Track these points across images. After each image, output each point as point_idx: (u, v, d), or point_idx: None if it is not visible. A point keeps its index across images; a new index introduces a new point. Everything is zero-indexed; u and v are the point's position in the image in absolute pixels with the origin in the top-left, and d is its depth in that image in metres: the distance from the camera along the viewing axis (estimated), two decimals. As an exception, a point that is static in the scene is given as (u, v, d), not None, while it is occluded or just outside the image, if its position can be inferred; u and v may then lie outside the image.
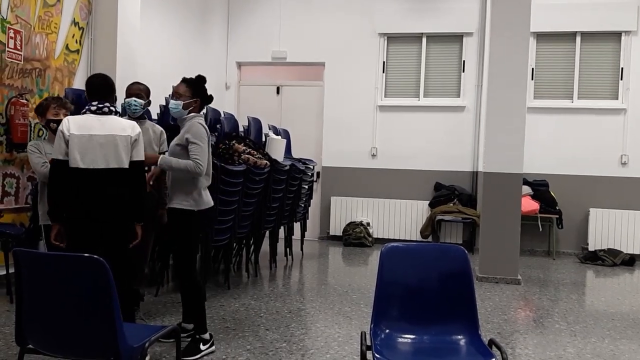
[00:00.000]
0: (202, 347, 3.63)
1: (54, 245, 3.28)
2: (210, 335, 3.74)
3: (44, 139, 4.08)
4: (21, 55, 5.26)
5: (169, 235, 3.77)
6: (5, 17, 5.07)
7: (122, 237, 3.31)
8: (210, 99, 3.82)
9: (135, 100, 4.12)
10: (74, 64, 5.96)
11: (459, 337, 2.54)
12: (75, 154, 3.15)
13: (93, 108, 3.28)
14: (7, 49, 5.10)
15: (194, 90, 3.71)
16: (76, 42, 5.97)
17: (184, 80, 3.76)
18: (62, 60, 5.79)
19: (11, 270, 4.57)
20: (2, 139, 5.05)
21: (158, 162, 3.64)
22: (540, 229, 7.91)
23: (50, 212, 3.24)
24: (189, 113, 3.70)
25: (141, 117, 4.22)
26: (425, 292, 2.63)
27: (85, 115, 3.28)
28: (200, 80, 3.76)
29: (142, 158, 3.37)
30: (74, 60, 5.96)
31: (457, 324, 2.57)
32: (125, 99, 4.18)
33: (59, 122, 3.57)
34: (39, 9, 5.47)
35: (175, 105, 3.67)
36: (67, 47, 5.85)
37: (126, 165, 3.26)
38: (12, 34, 5.15)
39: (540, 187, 8.00)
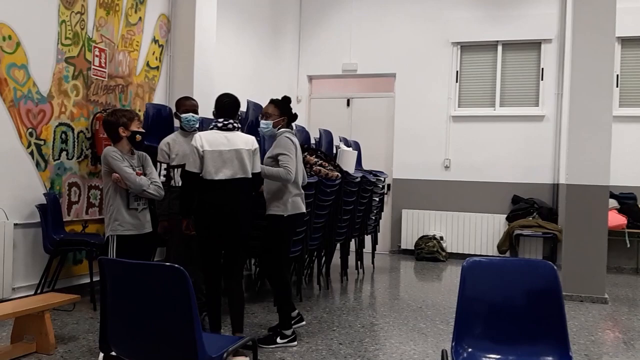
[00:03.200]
0: (278, 340, 3.95)
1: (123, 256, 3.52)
2: (293, 332, 4.01)
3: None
4: (105, 72, 5.52)
5: (264, 238, 4.13)
6: (91, 37, 5.35)
7: (246, 235, 3.83)
8: (295, 116, 4.16)
9: (192, 116, 4.45)
10: (154, 80, 6.19)
11: (548, 358, 2.38)
12: (210, 168, 3.62)
13: (219, 125, 3.71)
14: (92, 66, 5.37)
15: (281, 109, 4.07)
16: (156, 59, 6.21)
17: (272, 101, 4.12)
18: (143, 77, 6.03)
19: (95, 279, 4.77)
20: (87, 153, 5.31)
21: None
22: (628, 245, 7.42)
23: (184, 210, 3.80)
24: (278, 130, 4.04)
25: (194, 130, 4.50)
26: (511, 310, 2.48)
27: (213, 131, 3.70)
28: (286, 100, 4.12)
29: (259, 169, 3.81)
30: (154, 77, 6.19)
31: (546, 344, 2.40)
32: (181, 113, 4.43)
33: (142, 133, 3.75)
34: (122, 28, 5.73)
35: (266, 125, 4.06)
36: (147, 64, 6.09)
37: (250, 175, 3.72)
38: (97, 53, 5.42)
39: (627, 201, 7.52)
